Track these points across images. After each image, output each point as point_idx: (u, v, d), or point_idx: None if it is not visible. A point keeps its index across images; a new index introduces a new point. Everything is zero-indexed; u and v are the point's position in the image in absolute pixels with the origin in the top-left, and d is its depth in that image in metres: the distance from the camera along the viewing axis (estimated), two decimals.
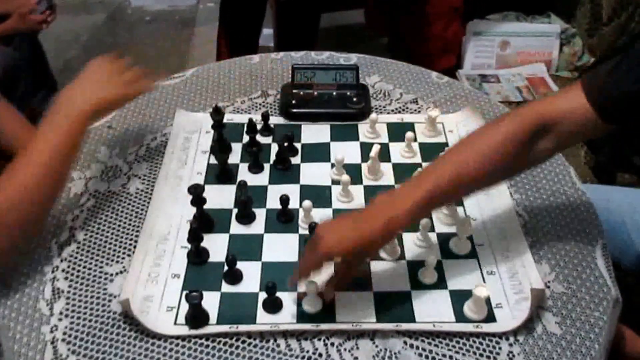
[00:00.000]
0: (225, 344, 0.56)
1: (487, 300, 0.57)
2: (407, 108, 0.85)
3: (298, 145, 0.78)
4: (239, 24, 1.49)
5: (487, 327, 0.56)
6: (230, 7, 1.49)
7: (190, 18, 2.27)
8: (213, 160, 0.75)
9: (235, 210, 0.68)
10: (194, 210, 0.66)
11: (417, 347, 0.56)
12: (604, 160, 1.23)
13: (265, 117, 0.79)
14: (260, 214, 0.68)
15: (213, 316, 0.57)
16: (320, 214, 0.68)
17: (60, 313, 0.58)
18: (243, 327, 0.56)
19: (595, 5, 1.50)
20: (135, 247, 0.64)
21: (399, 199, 0.55)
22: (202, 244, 0.63)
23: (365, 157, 0.75)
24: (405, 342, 0.56)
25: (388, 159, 0.76)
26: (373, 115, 0.79)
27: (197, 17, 2.27)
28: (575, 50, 1.53)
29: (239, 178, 0.73)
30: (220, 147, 0.76)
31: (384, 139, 0.79)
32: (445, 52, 1.56)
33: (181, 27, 2.23)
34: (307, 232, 0.64)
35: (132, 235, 0.66)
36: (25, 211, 0.58)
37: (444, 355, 0.55)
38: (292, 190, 0.70)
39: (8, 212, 0.57)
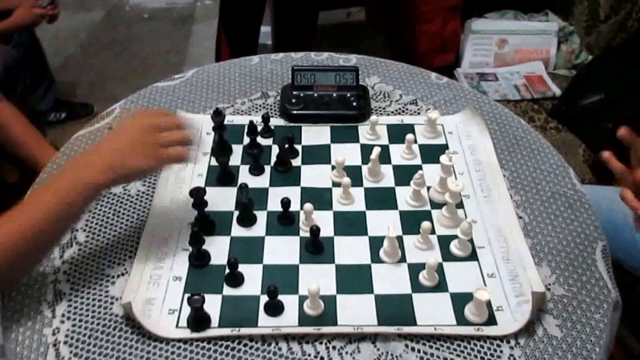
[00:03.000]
0: (227, 347, 0.56)
1: (488, 303, 0.58)
2: (406, 109, 0.85)
3: (298, 147, 0.78)
4: (239, 23, 1.49)
5: (488, 330, 0.57)
6: (229, 6, 1.48)
7: (188, 15, 2.26)
8: (214, 162, 0.75)
9: (236, 213, 0.68)
10: (195, 212, 0.66)
11: (419, 351, 0.56)
12: (603, 159, 1.23)
13: (265, 119, 0.79)
14: (261, 216, 0.68)
15: (215, 319, 0.58)
16: (321, 217, 0.68)
17: (62, 315, 0.58)
18: (245, 330, 0.56)
19: (592, 3, 1.50)
20: (136, 249, 0.64)
21: None
22: (204, 247, 0.63)
23: (365, 159, 0.75)
24: (406, 346, 0.56)
25: (388, 161, 0.76)
26: (373, 117, 0.79)
27: (195, 15, 2.26)
28: (573, 48, 1.53)
29: (240, 180, 0.73)
30: (221, 149, 0.76)
31: (384, 140, 0.79)
32: (444, 50, 1.56)
33: (179, 24, 2.22)
34: (307, 234, 0.65)
35: (133, 237, 0.66)
36: None
37: (445, 359, 0.55)
38: (293, 193, 0.71)
39: None
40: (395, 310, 0.59)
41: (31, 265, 0.59)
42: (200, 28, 2.17)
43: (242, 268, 0.61)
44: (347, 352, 0.56)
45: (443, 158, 0.69)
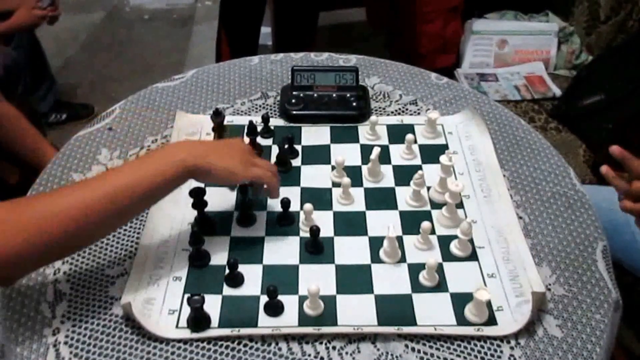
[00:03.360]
0: (227, 347, 0.56)
1: (488, 304, 0.58)
2: (406, 109, 0.85)
3: (298, 147, 0.78)
4: (239, 23, 1.49)
5: (488, 331, 0.57)
6: (230, 7, 1.49)
7: (188, 16, 2.26)
8: None
9: (236, 213, 0.68)
10: (195, 213, 0.66)
11: (419, 351, 0.56)
12: (604, 159, 1.23)
13: (265, 119, 0.79)
14: (261, 216, 0.68)
15: (215, 319, 0.58)
16: (321, 217, 0.68)
17: (63, 316, 0.58)
18: (245, 331, 0.56)
19: (593, 3, 1.50)
20: (136, 249, 0.64)
21: None
22: (204, 247, 0.63)
23: (365, 159, 0.75)
24: (406, 346, 0.56)
25: (388, 161, 0.76)
26: (373, 118, 0.79)
27: (195, 16, 2.26)
28: (574, 48, 1.53)
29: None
30: None
31: (384, 140, 0.79)
32: (444, 51, 1.56)
33: (179, 25, 2.22)
34: (307, 235, 0.65)
35: (133, 237, 0.66)
36: (69, 229, 0.52)
37: (445, 359, 0.55)
38: (293, 193, 0.71)
39: (51, 227, 0.51)
40: (395, 310, 0.59)
41: (111, 229, 0.59)
42: (200, 29, 2.17)
43: (242, 268, 0.61)
44: (347, 352, 0.56)
45: (443, 158, 0.69)
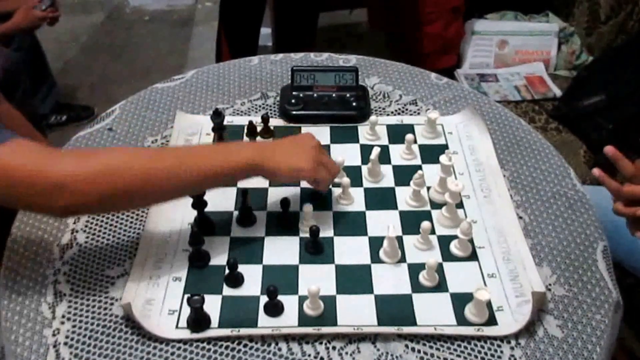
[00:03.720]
0: (226, 347, 0.56)
1: (488, 304, 0.58)
2: (406, 110, 0.85)
3: None
4: (239, 24, 1.49)
5: (488, 331, 0.57)
6: (230, 7, 1.49)
7: (188, 17, 2.27)
8: None
9: (236, 213, 0.68)
10: (195, 213, 0.66)
11: (419, 351, 0.56)
12: (604, 160, 1.23)
13: (265, 119, 0.79)
14: (260, 216, 0.68)
15: (214, 320, 0.58)
16: (321, 217, 0.68)
17: (63, 316, 0.58)
18: (244, 331, 0.56)
19: (593, 4, 1.50)
20: (136, 250, 0.64)
21: None
22: (203, 247, 0.63)
23: (365, 159, 0.75)
24: (406, 346, 0.56)
25: (388, 161, 0.76)
26: (373, 118, 0.79)
27: (196, 17, 2.26)
28: (574, 49, 1.53)
29: (240, 181, 0.73)
30: None
31: (384, 140, 0.79)
32: (446, 51, 1.56)
33: (180, 26, 2.22)
34: (307, 235, 0.65)
35: (133, 238, 0.66)
36: (134, 186, 0.55)
37: (445, 359, 0.55)
38: (293, 193, 0.70)
39: (121, 176, 0.54)
40: (395, 310, 0.59)
41: (166, 199, 0.61)
42: (200, 30, 2.17)
43: (241, 268, 0.61)
44: (347, 353, 0.56)
45: (443, 158, 0.69)
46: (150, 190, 0.57)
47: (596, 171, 0.63)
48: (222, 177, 0.60)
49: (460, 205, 0.69)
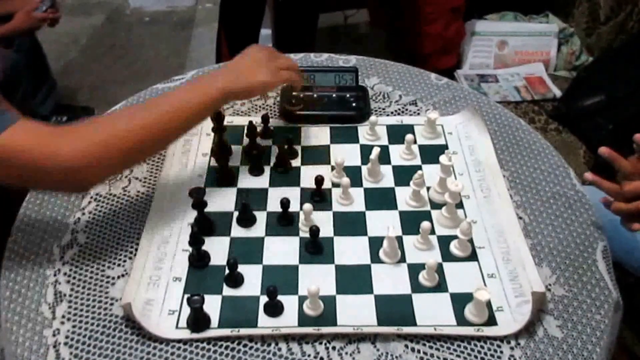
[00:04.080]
0: (226, 347, 0.56)
1: (488, 304, 0.58)
2: (406, 110, 0.85)
3: (298, 148, 0.78)
4: (239, 25, 1.49)
5: (488, 331, 0.57)
6: (229, 8, 1.49)
7: (188, 19, 2.27)
8: (214, 163, 0.75)
9: (236, 213, 0.68)
10: (195, 213, 0.66)
11: (419, 351, 0.56)
12: (604, 160, 1.23)
13: (265, 119, 0.79)
14: (260, 217, 0.68)
15: (214, 320, 0.58)
16: (321, 217, 0.68)
17: (63, 317, 0.58)
18: (244, 331, 0.56)
19: (593, 4, 1.50)
20: (136, 250, 0.64)
21: None
22: (203, 247, 0.63)
23: (365, 159, 0.75)
24: (406, 346, 0.56)
25: (388, 161, 0.76)
26: (373, 118, 0.79)
27: (196, 18, 2.27)
28: (574, 49, 1.53)
29: (240, 181, 0.73)
30: (220, 150, 0.77)
31: (384, 141, 0.79)
32: (446, 52, 1.56)
33: (180, 28, 2.22)
34: (307, 235, 0.65)
35: (133, 238, 0.66)
36: (139, 142, 0.60)
37: (445, 359, 0.55)
38: (293, 193, 0.71)
39: (118, 143, 0.58)
40: (395, 310, 0.59)
41: (166, 144, 0.67)
42: (201, 31, 2.18)
43: (241, 268, 0.61)
44: (346, 353, 0.56)
45: (442, 158, 0.69)
46: (154, 141, 0.62)
47: (589, 176, 0.64)
48: (204, 112, 0.65)
49: (460, 205, 0.69)
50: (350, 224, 0.68)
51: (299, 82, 0.75)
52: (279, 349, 0.56)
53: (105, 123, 0.62)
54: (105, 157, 0.58)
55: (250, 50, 0.70)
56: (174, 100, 0.63)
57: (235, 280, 0.61)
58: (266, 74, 0.67)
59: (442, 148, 0.78)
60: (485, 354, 0.56)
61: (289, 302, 0.59)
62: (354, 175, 0.73)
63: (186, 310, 0.57)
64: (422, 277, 0.61)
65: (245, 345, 0.56)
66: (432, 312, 0.58)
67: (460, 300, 0.59)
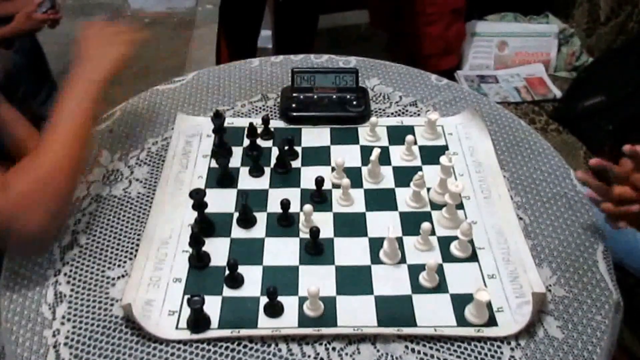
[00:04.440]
0: (226, 348, 0.56)
1: (489, 304, 0.57)
2: (406, 111, 0.86)
3: (298, 149, 0.78)
4: (239, 26, 1.49)
5: (488, 332, 0.57)
6: (229, 9, 1.49)
7: (189, 20, 2.27)
8: (214, 164, 0.75)
9: (236, 214, 0.68)
10: (195, 214, 0.66)
11: (419, 352, 0.56)
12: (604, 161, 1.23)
13: (265, 120, 0.79)
14: (261, 218, 0.68)
15: (214, 320, 0.58)
16: (321, 218, 0.68)
17: (63, 317, 0.59)
18: (244, 332, 0.56)
19: (593, 5, 1.50)
20: (136, 251, 0.64)
21: None
22: (203, 248, 0.63)
23: (365, 160, 0.75)
24: (406, 347, 0.56)
25: (388, 162, 0.76)
26: (373, 119, 0.79)
27: (196, 19, 2.27)
28: (574, 50, 1.53)
29: (240, 182, 0.73)
30: (221, 151, 0.77)
31: (384, 142, 0.79)
32: (447, 53, 1.56)
33: (180, 29, 2.23)
34: (307, 236, 0.65)
35: (133, 239, 0.66)
36: (60, 182, 0.60)
37: None
38: (293, 194, 0.71)
39: (45, 186, 0.59)
40: (395, 311, 0.59)
41: (80, 168, 0.66)
42: (201, 33, 2.18)
43: (241, 269, 0.61)
44: (347, 354, 0.56)
45: (443, 159, 0.69)
46: (77, 160, 0.63)
47: (579, 174, 0.65)
48: (97, 109, 0.68)
49: (460, 206, 0.69)
50: (351, 225, 0.68)
51: (144, 36, 0.79)
52: (279, 350, 0.56)
53: (28, 167, 0.61)
54: (41, 202, 0.58)
55: (89, 33, 0.73)
56: (72, 116, 0.64)
57: (236, 281, 0.61)
58: (119, 47, 0.71)
59: (443, 149, 0.78)
60: (486, 354, 0.56)
61: (289, 303, 0.59)
62: (354, 176, 0.73)
63: (186, 311, 0.57)
64: (422, 278, 0.61)
65: (245, 346, 0.56)
66: (432, 313, 0.58)
67: (460, 301, 0.59)
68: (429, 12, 1.51)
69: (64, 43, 2.08)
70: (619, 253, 0.77)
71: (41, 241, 0.62)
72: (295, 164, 0.76)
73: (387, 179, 0.74)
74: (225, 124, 0.77)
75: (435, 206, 0.70)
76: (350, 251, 0.65)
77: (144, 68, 2.00)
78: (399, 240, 0.65)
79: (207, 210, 0.66)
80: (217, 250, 0.64)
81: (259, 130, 0.79)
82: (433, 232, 0.66)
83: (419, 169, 0.75)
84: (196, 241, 0.62)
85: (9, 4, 1.39)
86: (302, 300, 0.59)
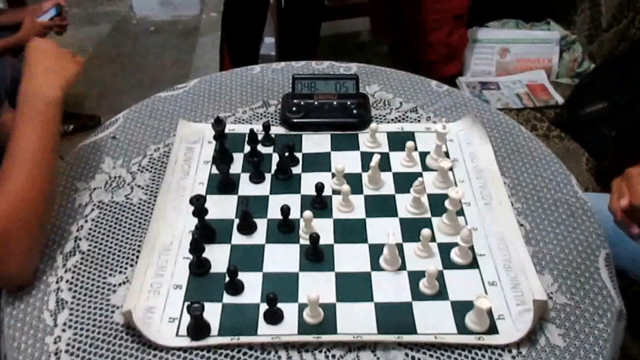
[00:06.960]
0: (226, 355, 0.56)
1: (489, 312, 0.57)
2: (407, 117, 0.86)
3: (299, 155, 0.78)
4: (241, 33, 1.51)
5: (489, 339, 0.56)
6: (232, 17, 1.50)
7: (193, 28, 2.29)
8: (215, 171, 0.76)
9: (236, 221, 0.69)
10: (196, 220, 0.66)
11: (419, 359, 0.55)
12: (606, 167, 1.23)
13: (266, 127, 0.79)
14: (261, 224, 0.68)
15: (214, 327, 0.58)
16: (321, 224, 0.68)
17: (64, 324, 0.59)
18: (244, 339, 0.56)
19: (594, 11, 1.50)
20: (138, 257, 0.65)
21: None
22: (204, 255, 0.63)
23: (365, 166, 0.75)
24: (406, 354, 0.56)
25: (388, 169, 0.76)
26: (373, 125, 0.79)
27: (201, 27, 2.29)
28: (575, 56, 1.53)
29: (241, 188, 0.73)
30: (221, 158, 0.77)
31: (384, 148, 0.80)
32: (450, 59, 1.56)
33: (185, 37, 2.25)
34: (307, 242, 0.65)
35: (134, 245, 0.67)
36: (29, 212, 0.59)
37: None
38: (293, 200, 0.71)
39: (11, 221, 0.58)
40: (395, 318, 0.58)
41: (49, 194, 0.64)
42: (205, 40, 2.20)
43: (242, 276, 0.61)
44: None
45: (438, 126, 0.74)
46: (41, 190, 0.61)
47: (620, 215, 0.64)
48: (56, 128, 0.65)
49: (460, 212, 0.69)
50: (351, 231, 0.68)
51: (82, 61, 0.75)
52: (279, 357, 0.56)
53: None
54: (12, 241, 0.57)
55: (36, 49, 0.71)
56: (31, 145, 0.62)
57: (236, 287, 0.61)
58: (69, 64, 0.69)
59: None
60: None
61: (289, 310, 0.59)
62: (355, 182, 0.73)
63: (186, 318, 0.57)
64: (423, 285, 0.61)
65: (245, 353, 0.56)
66: (433, 320, 0.58)
67: (461, 308, 0.59)
68: (432, 18, 1.51)
69: (72, 52, 2.11)
70: (623, 261, 0.76)
71: (21, 279, 0.61)
72: (296, 170, 0.76)
73: (387, 185, 0.74)
74: (226, 131, 0.77)
75: (436, 212, 0.70)
76: (350, 257, 0.65)
77: (149, 75, 2.02)
78: (399, 247, 0.65)
79: (207, 217, 0.66)
80: (218, 256, 0.65)
81: (260, 137, 0.79)
82: (433, 239, 0.66)
83: (419, 175, 0.75)
84: (196, 248, 0.62)
85: (16, 13, 1.41)
86: (302, 307, 0.59)
